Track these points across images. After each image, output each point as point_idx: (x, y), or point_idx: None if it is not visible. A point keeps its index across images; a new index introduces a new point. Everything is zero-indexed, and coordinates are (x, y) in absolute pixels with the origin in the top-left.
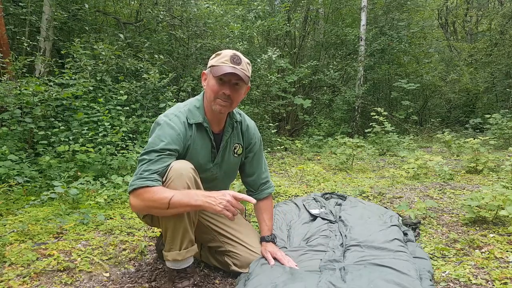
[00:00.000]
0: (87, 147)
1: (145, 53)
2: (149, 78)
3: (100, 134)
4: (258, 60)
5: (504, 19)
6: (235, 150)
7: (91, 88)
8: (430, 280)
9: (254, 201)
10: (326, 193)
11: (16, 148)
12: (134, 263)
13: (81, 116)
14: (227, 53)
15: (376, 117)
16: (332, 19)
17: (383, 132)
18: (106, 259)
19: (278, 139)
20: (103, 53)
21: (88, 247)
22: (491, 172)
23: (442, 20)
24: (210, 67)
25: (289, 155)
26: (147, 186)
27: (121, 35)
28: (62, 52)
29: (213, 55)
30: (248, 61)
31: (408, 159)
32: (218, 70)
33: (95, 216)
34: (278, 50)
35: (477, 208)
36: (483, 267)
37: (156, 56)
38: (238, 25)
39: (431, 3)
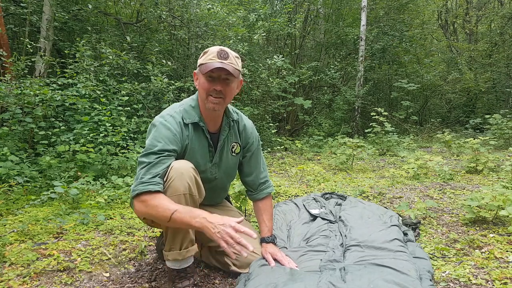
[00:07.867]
0: (87, 147)
1: (152, 57)
2: (156, 82)
3: (100, 135)
4: (260, 64)
5: (504, 20)
6: (233, 149)
7: (98, 92)
8: (430, 280)
9: (255, 235)
10: (326, 193)
11: (16, 148)
12: (134, 263)
13: (86, 120)
14: (213, 49)
15: (376, 117)
16: (332, 19)
17: (383, 132)
18: (106, 259)
19: (278, 139)
20: (110, 57)
21: (88, 247)
22: (491, 172)
23: (442, 20)
24: (199, 66)
25: (289, 155)
26: (149, 191)
27: (128, 38)
28: (62, 52)
29: (201, 54)
30: (237, 55)
31: (408, 159)
32: (206, 67)
33: (95, 216)
34: (280, 55)
35: (477, 208)
36: (483, 267)
37: (164, 61)
38: (243, 28)
39: (431, 4)
